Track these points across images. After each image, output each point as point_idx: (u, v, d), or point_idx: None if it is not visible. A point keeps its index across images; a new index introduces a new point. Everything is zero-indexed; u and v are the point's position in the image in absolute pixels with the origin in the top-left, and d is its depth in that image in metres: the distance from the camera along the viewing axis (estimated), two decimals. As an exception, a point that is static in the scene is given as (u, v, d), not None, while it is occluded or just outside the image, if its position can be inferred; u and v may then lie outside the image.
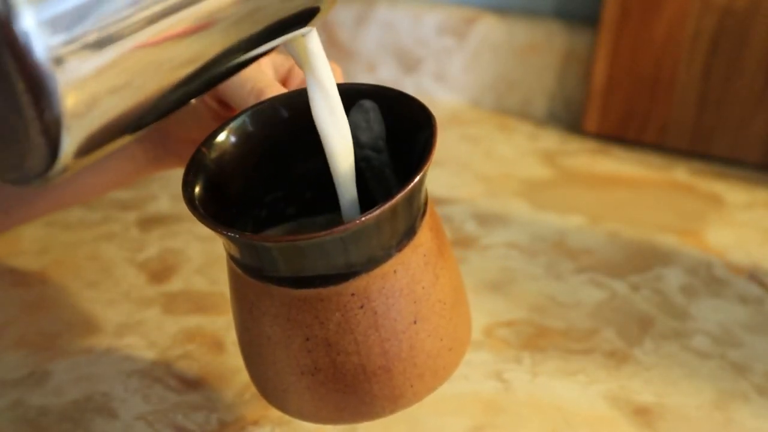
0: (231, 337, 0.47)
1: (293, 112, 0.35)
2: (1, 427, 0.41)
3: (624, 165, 0.66)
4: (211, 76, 0.27)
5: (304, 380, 0.32)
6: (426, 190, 0.33)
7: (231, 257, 0.33)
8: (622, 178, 0.64)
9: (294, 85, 0.42)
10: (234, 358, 0.45)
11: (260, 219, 0.37)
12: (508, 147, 0.69)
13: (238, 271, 0.32)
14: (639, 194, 0.62)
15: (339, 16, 0.78)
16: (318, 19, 0.31)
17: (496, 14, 0.74)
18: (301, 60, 0.32)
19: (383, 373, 0.32)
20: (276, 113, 0.35)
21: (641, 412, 0.42)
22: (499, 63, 0.74)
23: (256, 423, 0.41)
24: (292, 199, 0.37)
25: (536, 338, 0.47)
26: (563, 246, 0.56)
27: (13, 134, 0.23)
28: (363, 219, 0.29)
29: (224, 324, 0.48)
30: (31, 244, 0.56)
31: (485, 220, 0.59)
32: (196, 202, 0.31)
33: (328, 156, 0.33)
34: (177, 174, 0.67)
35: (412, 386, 0.33)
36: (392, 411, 0.33)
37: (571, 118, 0.72)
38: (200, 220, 0.30)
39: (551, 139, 0.70)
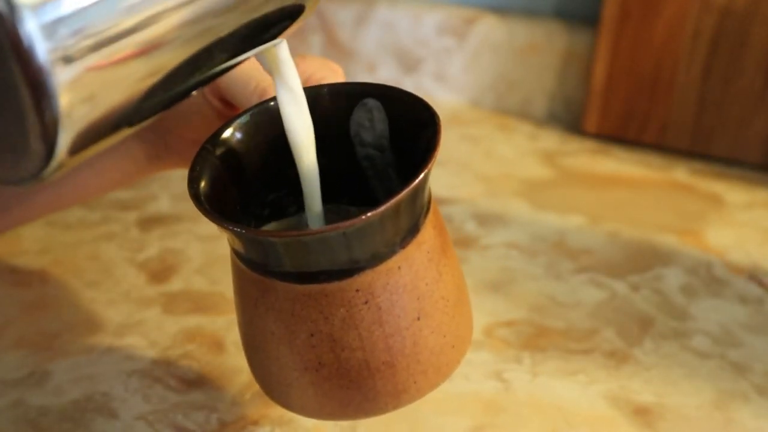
0: (231, 337, 0.47)
1: None
2: (1, 427, 0.41)
3: (624, 165, 0.66)
4: (201, 75, 0.28)
5: (308, 376, 0.32)
6: (429, 188, 0.33)
7: (235, 253, 0.33)
8: (622, 178, 0.64)
9: None
10: (234, 358, 0.45)
11: (263, 216, 0.37)
12: (508, 147, 0.69)
13: (243, 267, 0.32)
14: (639, 194, 0.62)
15: (339, 16, 0.78)
16: (298, 23, 0.31)
17: (496, 14, 0.74)
18: (271, 67, 0.33)
19: (387, 368, 0.32)
20: (279, 112, 0.35)
21: (641, 412, 0.42)
22: (499, 63, 0.74)
23: (256, 423, 0.41)
24: (294, 197, 0.37)
25: (536, 338, 0.47)
26: (563, 246, 0.56)
27: (7, 136, 0.23)
28: (369, 215, 0.29)
29: (224, 324, 0.48)
30: (31, 244, 0.56)
31: (485, 220, 0.59)
32: (202, 197, 0.32)
33: (294, 150, 0.34)
34: (177, 174, 0.67)
35: (415, 382, 0.33)
36: (395, 407, 0.33)
37: (571, 118, 0.72)
38: (206, 216, 0.30)
39: (551, 139, 0.70)
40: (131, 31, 0.24)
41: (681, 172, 0.65)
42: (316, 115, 0.34)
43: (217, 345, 0.46)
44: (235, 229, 0.30)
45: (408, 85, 0.78)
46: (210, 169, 0.33)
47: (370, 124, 0.35)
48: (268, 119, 0.35)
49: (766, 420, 0.42)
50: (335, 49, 0.79)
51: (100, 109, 0.24)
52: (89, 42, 0.23)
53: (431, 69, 0.77)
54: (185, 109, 0.41)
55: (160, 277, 0.52)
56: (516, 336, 0.47)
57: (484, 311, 0.49)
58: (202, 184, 0.32)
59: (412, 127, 0.34)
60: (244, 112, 0.35)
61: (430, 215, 0.33)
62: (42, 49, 0.22)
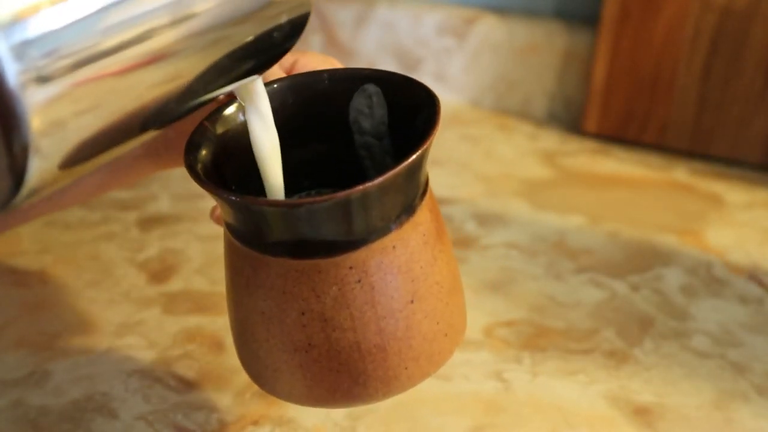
0: (231, 337, 0.47)
1: (297, 98, 0.35)
2: (1, 427, 0.41)
3: (624, 165, 0.66)
4: (175, 106, 0.27)
5: (297, 357, 0.32)
6: (427, 173, 0.33)
7: (229, 228, 0.32)
8: (622, 178, 0.64)
9: None
10: (234, 358, 0.45)
11: (261, 194, 0.37)
12: (508, 147, 0.69)
13: (236, 242, 0.32)
14: (639, 194, 0.62)
15: (339, 16, 0.78)
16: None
17: (496, 14, 0.74)
18: (242, 95, 0.33)
19: (378, 352, 0.31)
20: (280, 98, 0.35)
21: (641, 412, 0.42)
22: (499, 63, 0.74)
23: (256, 423, 0.41)
24: (294, 177, 0.37)
25: (536, 338, 0.47)
26: (563, 246, 0.56)
27: None
28: (367, 185, 0.28)
29: (224, 324, 0.48)
30: (31, 244, 0.56)
31: (485, 220, 0.59)
32: (198, 168, 0.31)
33: (258, 161, 0.34)
34: (177, 174, 0.67)
35: (406, 368, 0.32)
36: (385, 394, 0.33)
37: (571, 118, 0.72)
38: (201, 185, 0.30)
39: (551, 139, 0.70)
40: (108, 53, 0.23)
41: (681, 172, 0.65)
42: (316, 101, 0.34)
43: (217, 345, 0.46)
44: (231, 197, 0.29)
45: (408, 85, 0.78)
46: (207, 144, 0.33)
47: (369, 110, 0.35)
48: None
49: (766, 420, 0.42)
50: (335, 49, 0.79)
51: (74, 135, 0.23)
52: (62, 64, 0.22)
53: (431, 69, 0.77)
54: None
55: (160, 277, 0.52)
56: (516, 336, 0.47)
57: (484, 311, 0.49)
58: (199, 156, 0.32)
59: (411, 112, 0.34)
60: None
61: (427, 198, 0.33)
62: (12, 71, 0.21)
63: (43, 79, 0.21)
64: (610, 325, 0.48)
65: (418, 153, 0.30)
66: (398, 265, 0.31)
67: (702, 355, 0.46)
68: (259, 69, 0.31)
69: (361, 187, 0.28)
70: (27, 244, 0.56)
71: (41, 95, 0.21)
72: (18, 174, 0.22)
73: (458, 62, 0.76)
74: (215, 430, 0.41)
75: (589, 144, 0.69)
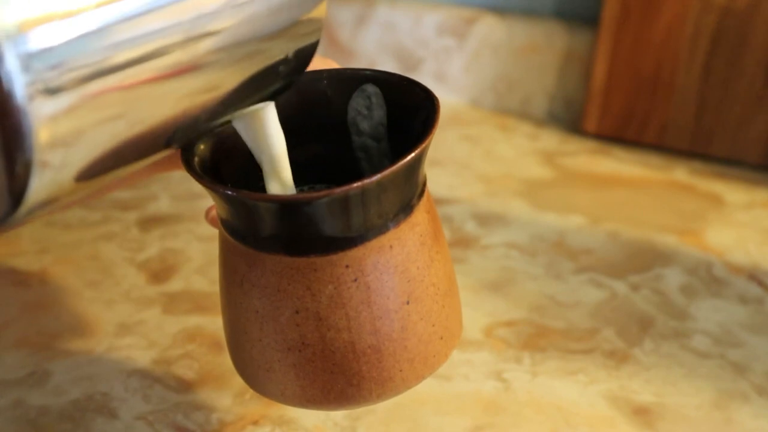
0: (231, 337, 0.47)
1: (295, 98, 0.35)
2: (1, 427, 0.41)
3: (624, 165, 0.66)
4: (174, 133, 0.27)
5: (291, 357, 0.32)
6: (425, 174, 0.33)
7: (224, 225, 0.32)
8: (622, 178, 0.64)
9: None
10: (234, 358, 0.45)
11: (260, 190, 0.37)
12: (508, 147, 0.69)
13: (231, 239, 0.32)
14: (639, 194, 0.62)
15: (339, 16, 0.78)
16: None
17: (496, 14, 0.74)
18: (256, 133, 0.32)
19: (373, 352, 0.31)
20: (279, 98, 0.35)
21: (641, 412, 0.42)
22: (499, 63, 0.74)
23: (256, 423, 0.41)
24: (294, 176, 0.37)
25: (536, 338, 0.47)
26: (563, 246, 0.56)
27: None
28: (365, 181, 0.28)
29: (224, 324, 0.48)
30: (31, 244, 0.56)
31: (485, 220, 0.59)
32: (195, 163, 0.31)
33: (268, 167, 0.33)
34: (177, 174, 0.67)
35: (401, 370, 0.32)
36: (379, 396, 0.32)
37: (571, 118, 0.72)
38: (197, 180, 0.30)
39: (551, 139, 0.70)
40: (116, 68, 0.22)
41: (681, 172, 0.65)
42: (314, 101, 0.34)
43: (217, 345, 0.46)
44: (228, 191, 0.29)
45: (408, 85, 0.78)
46: (205, 140, 0.33)
47: (368, 111, 0.35)
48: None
49: (766, 420, 0.42)
50: (335, 49, 0.79)
51: (79, 154, 0.23)
52: (70, 77, 0.21)
53: (431, 69, 0.77)
54: None
55: (160, 277, 0.52)
56: (516, 336, 0.47)
57: (484, 311, 0.49)
58: (196, 152, 0.32)
59: (410, 113, 0.33)
60: None
61: (424, 199, 0.32)
62: (20, 82, 0.20)
63: (51, 92, 0.21)
64: (610, 325, 0.48)
65: (417, 150, 0.30)
66: (395, 265, 0.31)
67: (702, 355, 0.46)
68: (271, 95, 0.31)
69: (359, 183, 0.28)
70: (27, 244, 0.56)
71: (49, 108, 0.21)
72: (19, 188, 0.22)
73: (458, 62, 0.76)
74: (215, 430, 0.41)
75: (589, 144, 0.69)
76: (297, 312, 0.31)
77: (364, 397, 0.32)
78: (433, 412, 0.42)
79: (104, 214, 0.59)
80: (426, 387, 0.44)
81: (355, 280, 0.30)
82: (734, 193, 0.62)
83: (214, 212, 0.38)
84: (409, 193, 0.31)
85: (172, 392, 0.43)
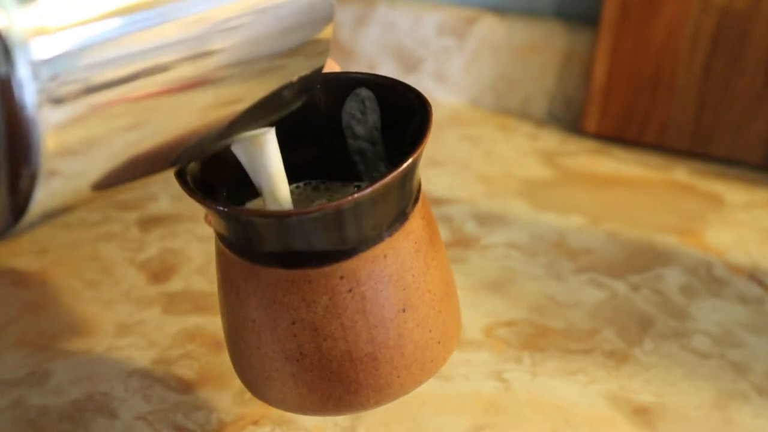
0: (231, 337, 0.47)
1: None
2: (1, 427, 0.41)
3: (624, 165, 0.66)
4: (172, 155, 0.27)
5: (289, 366, 0.32)
6: (419, 179, 0.33)
7: (220, 237, 0.32)
8: (622, 178, 0.64)
9: None
10: (234, 358, 0.45)
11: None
12: (508, 147, 0.69)
13: (227, 251, 0.32)
14: (639, 194, 0.62)
15: (339, 16, 0.78)
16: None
17: (496, 14, 0.74)
18: (255, 156, 0.32)
19: (370, 360, 0.31)
20: None
21: (641, 412, 0.42)
22: (499, 63, 0.74)
23: (256, 423, 0.41)
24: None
25: (536, 338, 0.47)
26: (563, 246, 0.56)
27: None
28: (356, 196, 0.28)
29: (224, 324, 0.48)
30: (31, 244, 0.56)
31: (485, 220, 0.59)
32: (187, 176, 0.31)
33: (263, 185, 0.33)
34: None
35: (398, 377, 0.32)
36: (377, 402, 0.32)
37: (571, 118, 0.72)
38: (190, 195, 0.30)
39: (551, 139, 0.70)
40: (123, 80, 0.22)
41: (681, 172, 0.65)
42: (309, 104, 0.34)
43: (217, 345, 0.46)
44: (220, 208, 0.29)
45: (408, 85, 0.78)
46: None
47: (362, 115, 0.35)
48: None
49: (766, 420, 0.42)
50: (335, 48, 0.79)
51: (85, 165, 0.22)
52: (78, 87, 0.21)
53: (431, 69, 0.77)
54: None
55: (160, 277, 0.52)
56: (516, 336, 0.47)
57: (484, 311, 0.49)
58: (190, 165, 0.32)
59: (404, 117, 0.33)
60: None
61: (419, 206, 0.32)
62: (30, 90, 0.20)
63: (59, 100, 0.21)
64: (610, 325, 0.48)
65: (408, 162, 0.30)
66: (389, 274, 0.31)
67: (702, 355, 0.46)
68: (273, 116, 0.31)
69: (350, 197, 0.28)
70: (27, 244, 0.56)
71: (57, 116, 0.21)
72: (25, 195, 0.21)
73: (458, 62, 0.76)
74: (215, 430, 0.41)
75: (589, 144, 0.69)
76: (293, 323, 0.31)
77: (362, 404, 0.32)
78: (433, 412, 0.42)
79: (104, 214, 0.59)
80: (426, 387, 0.44)
81: (350, 290, 0.30)
82: (734, 193, 0.62)
83: None
84: (403, 203, 0.31)
85: (172, 392, 0.43)
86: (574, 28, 0.71)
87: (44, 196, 0.22)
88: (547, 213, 0.60)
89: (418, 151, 0.30)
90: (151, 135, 0.24)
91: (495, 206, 0.60)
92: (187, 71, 0.24)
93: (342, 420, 0.41)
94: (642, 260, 0.54)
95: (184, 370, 0.45)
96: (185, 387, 0.43)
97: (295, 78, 0.29)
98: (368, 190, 0.28)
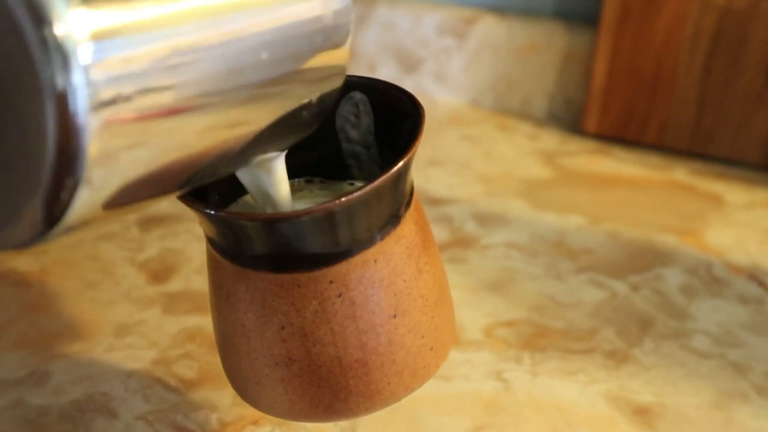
0: (231, 337, 0.47)
1: None
2: (1, 427, 0.41)
3: (624, 165, 0.66)
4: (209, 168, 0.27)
5: (278, 371, 0.31)
6: (412, 183, 0.33)
7: (210, 241, 0.32)
8: (622, 178, 0.64)
9: None
10: (234, 358, 0.45)
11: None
12: (508, 147, 0.69)
13: (217, 255, 0.32)
14: (639, 194, 0.62)
15: (339, 16, 0.78)
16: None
17: (496, 14, 0.74)
18: (261, 181, 0.32)
19: (360, 366, 0.31)
20: None
21: (641, 412, 0.42)
22: (499, 63, 0.74)
23: (256, 423, 0.41)
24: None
25: (536, 338, 0.47)
26: (563, 246, 0.56)
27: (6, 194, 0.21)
28: (343, 200, 0.28)
29: (224, 324, 0.48)
30: (31, 244, 0.56)
31: (485, 220, 0.59)
32: None
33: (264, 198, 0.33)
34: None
35: (389, 383, 0.32)
36: (367, 409, 0.32)
37: (571, 118, 0.72)
38: (179, 198, 0.30)
39: (551, 139, 0.70)
40: (160, 90, 0.22)
41: (681, 172, 0.65)
42: None
43: (217, 345, 0.46)
44: (208, 211, 0.29)
45: (408, 85, 0.78)
46: None
47: (356, 119, 0.35)
48: None
49: (766, 420, 0.42)
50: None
51: (117, 176, 0.22)
52: (125, 92, 0.21)
53: (431, 69, 0.77)
54: None
55: (160, 277, 0.52)
56: (516, 336, 0.47)
57: (484, 311, 0.49)
58: None
59: (397, 120, 0.33)
60: None
61: (412, 210, 0.32)
62: (82, 94, 0.19)
63: (104, 105, 0.20)
64: (610, 325, 0.48)
65: (401, 163, 0.29)
66: (380, 279, 0.31)
67: (702, 355, 0.46)
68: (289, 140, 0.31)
69: (338, 201, 0.28)
70: (27, 244, 0.56)
71: (100, 121, 0.21)
72: (62, 207, 0.21)
73: (458, 62, 0.76)
74: (215, 430, 0.41)
75: (589, 144, 0.69)
76: (283, 328, 0.31)
77: (352, 411, 0.32)
78: (432, 412, 0.42)
79: (104, 214, 0.59)
80: (426, 387, 0.44)
81: (340, 295, 0.30)
82: (734, 193, 0.62)
83: None
84: (394, 206, 0.31)
85: (172, 392, 0.43)
86: (574, 28, 0.71)
87: (79, 207, 0.21)
88: (547, 213, 0.60)
89: (409, 154, 0.30)
90: (177, 149, 0.24)
91: (495, 206, 0.60)
92: (217, 87, 0.24)
93: (342, 420, 0.41)
94: (642, 260, 0.54)
95: (184, 370, 0.45)
96: (185, 387, 0.43)
97: (314, 97, 0.29)
98: (356, 194, 0.28)
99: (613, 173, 0.65)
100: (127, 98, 0.21)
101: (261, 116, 0.27)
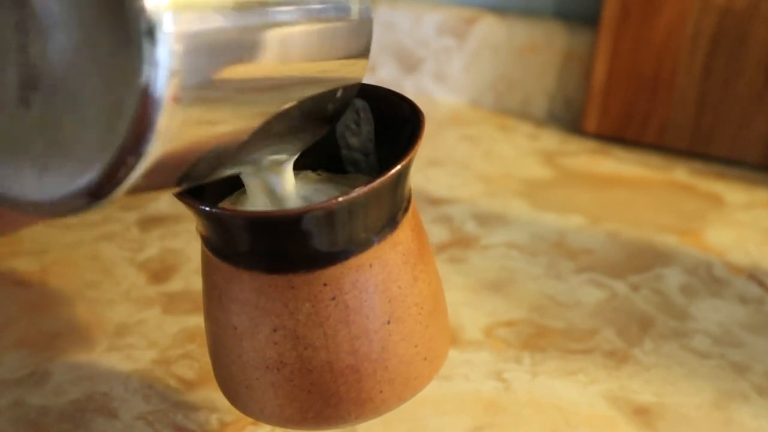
0: (231, 337, 0.47)
1: None
2: (1, 427, 0.41)
3: (624, 165, 0.66)
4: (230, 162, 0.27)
5: (269, 375, 0.31)
6: (410, 189, 0.33)
7: (204, 240, 0.32)
8: (622, 178, 0.64)
9: None
10: (234, 358, 0.45)
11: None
12: (508, 147, 0.69)
13: (210, 254, 0.31)
14: (639, 194, 0.62)
15: (339, 16, 0.78)
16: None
17: (496, 14, 0.74)
18: (270, 185, 0.32)
19: (351, 373, 0.31)
20: None
21: (641, 412, 0.42)
22: (499, 63, 0.74)
23: (256, 423, 0.41)
24: None
25: (536, 338, 0.47)
26: (563, 246, 0.56)
27: (67, 130, 0.21)
28: (335, 200, 0.28)
29: (224, 324, 0.48)
30: (31, 244, 0.56)
31: (485, 220, 0.59)
32: None
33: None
34: (177, 174, 0.66)
35: (381, 392, 0.31)
36: (358, 417, 0.32)
37: (571, 118, 0.72)
38: (175, 195, 0.29)
39: (551, 139, 0.70)
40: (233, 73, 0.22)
41: (681, 172, 0.65)
42: None
43: (217, 345, 0.46)
44: (203, 208, 0.29)
45: (408, 85, 0.78)
46: None
47: (356, 126, 0.35)
48: None
49: (766, 420, 0.42)
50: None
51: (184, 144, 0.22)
52: (201, 64, 0.21)
53: (431, 69, 0.77)
54: None
55: (160, 277, 0.52)
56: (516, 336, 0.47)
57: (484, 311, 0.49)
58: None
59: (397, 127, 0.33)
60: None
61: (409, 216, 0.32)
62: (164, 73, 0.20)
63: (183, 83, 0.20)
64: (610, 325, 0.48)
65: (399, 167, 0.29)
66: (375, 284, 0.30)
67: (702, 355, 0.46)
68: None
69: (333, 201, 0.28)
70: (27, 244, 0.56)
71: (175, 94, 0.20)
72: (116, 182, 0.21)
73: (458, 62, 0.76)
74: (215, 430, 0.41)
75: (589, 144, 0.69)
76: (275, 330, 0.30)
77: (343, 418, 0.32)
78: (432, 412, 0.42)
79: (104, 214, 0.59)
80: (426, 387, 0.44)
81: (333, 298, 0.30)
82: (734, 193, 0.62)
83: None
84: (391, 211, 0.31)
85: (172, 392, 0.43)
86: (574, 28, 0.71)
87: (129, 184, 0.21)
88: (547, 213, 0.60)
89: (410, 155, 0.30)
90: (242, 122, 0.24)
91: (495, 206, 0.60)
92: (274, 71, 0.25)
93: (342, 420, 0.41)
94: (642, 260, 0.54)
95: (184, 370, 0.45)
96: (185, 387, 0.43)
97: (340, 90, 0.29)
98: (353, 194, 0.28)
99: (613, 173, 0.65)
100: (205, 75, 0.21)
101: (301, 97, 0.27)
